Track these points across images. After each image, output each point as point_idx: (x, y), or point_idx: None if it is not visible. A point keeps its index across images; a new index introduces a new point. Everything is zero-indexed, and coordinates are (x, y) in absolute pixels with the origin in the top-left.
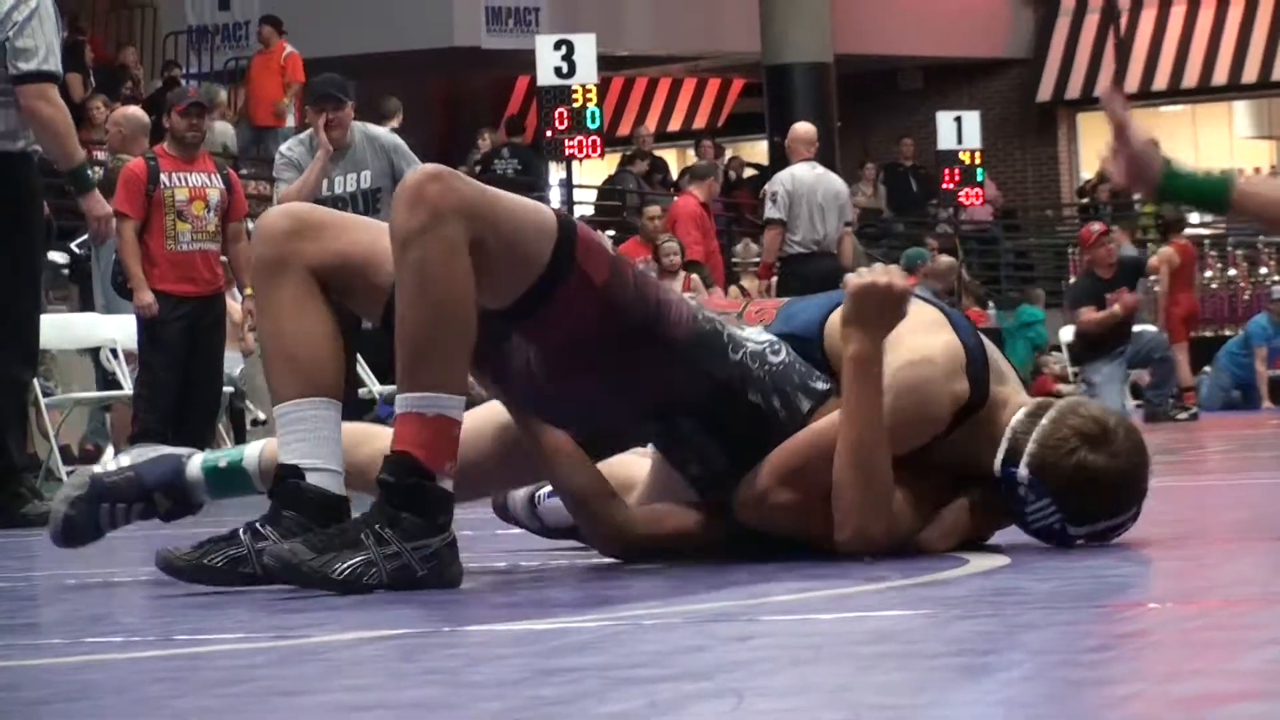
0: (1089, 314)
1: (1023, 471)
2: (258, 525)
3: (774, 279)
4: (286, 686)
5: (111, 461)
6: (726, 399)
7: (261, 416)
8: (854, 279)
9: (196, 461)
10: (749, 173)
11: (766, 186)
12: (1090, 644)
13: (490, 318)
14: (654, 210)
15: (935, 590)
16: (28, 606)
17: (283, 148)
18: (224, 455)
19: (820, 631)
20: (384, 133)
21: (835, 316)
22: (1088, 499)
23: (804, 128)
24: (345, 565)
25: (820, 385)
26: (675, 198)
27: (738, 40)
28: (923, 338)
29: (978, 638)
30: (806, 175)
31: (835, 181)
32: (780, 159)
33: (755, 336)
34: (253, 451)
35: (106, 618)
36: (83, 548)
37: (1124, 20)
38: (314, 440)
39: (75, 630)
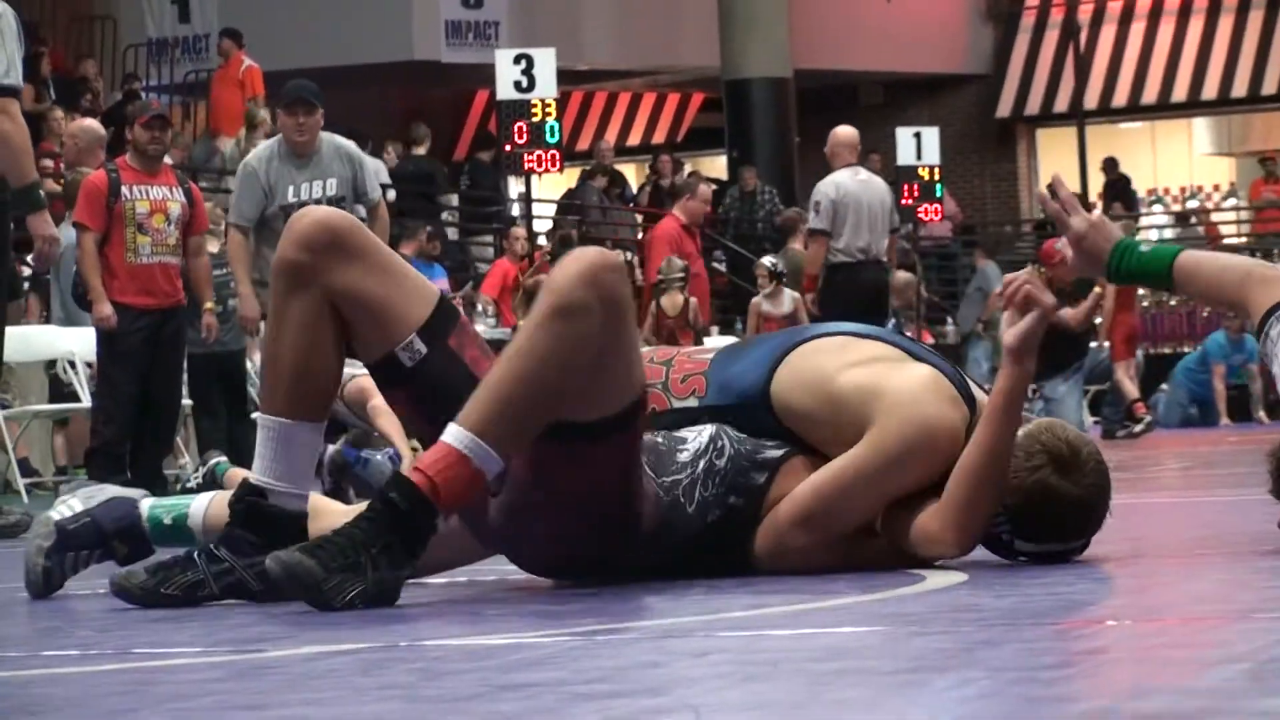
0: (1070, 312)
1: None
2: (213, 549)
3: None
4: (244, 701)
5: (63, 503)
6: (698, 535)
7: None
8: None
9: (146, 507)
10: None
11: (812, 195)
12: (1048, 661)
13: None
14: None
15: (892, 607)
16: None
17: (249, 157)
18: (170, 509)
19: (776, 648)
20: (352, 145)
21: (783, 373)
22: (1040, 519)
23: (845, 131)
24: (352, 592)
25: (771, 453)
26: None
27: (697, 55)
28: (900, 378)
29: (935, 654)
30: (850, 182)
31: (881, 187)
32: (735, 178)
33: (692, 443)
34: (198, 507)
35: (62, 631)
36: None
37: (1084, 36)
38: (285, 462)
39: (31, 644)
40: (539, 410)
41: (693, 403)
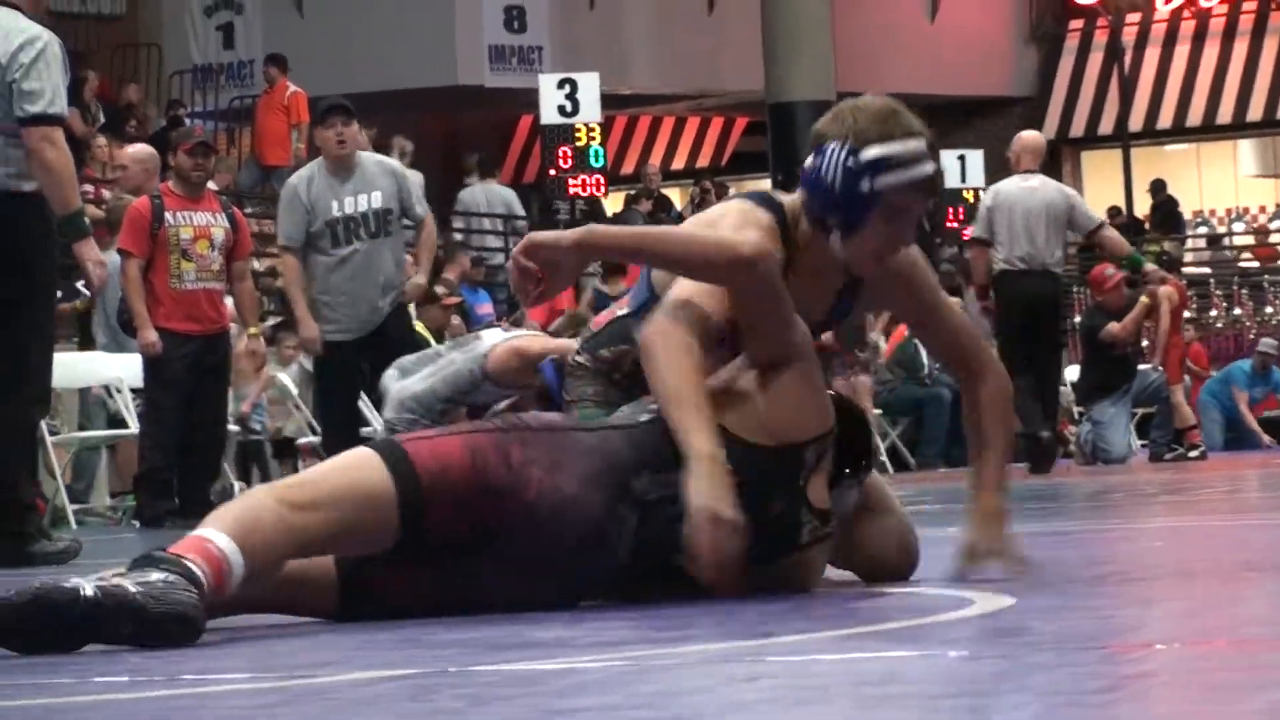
0: (1120, 326)
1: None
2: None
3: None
4: None
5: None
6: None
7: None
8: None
9: None
10: None
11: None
12: (1097, 685)
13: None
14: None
15: (940, 631)
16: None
17: (291, 179)
18: None
19: (826, 672)
20: (393, 160)
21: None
22: (871, 123)
23: (1028, 136)
24: (90, 586)
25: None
26: None
27: (741, 79)
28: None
29: (984, 678)
30: (1012, 189)
31: (1050, 193)
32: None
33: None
34: None
35: (113, 656)
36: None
37: (1128, 58)
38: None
39: (82, 669)
40: None
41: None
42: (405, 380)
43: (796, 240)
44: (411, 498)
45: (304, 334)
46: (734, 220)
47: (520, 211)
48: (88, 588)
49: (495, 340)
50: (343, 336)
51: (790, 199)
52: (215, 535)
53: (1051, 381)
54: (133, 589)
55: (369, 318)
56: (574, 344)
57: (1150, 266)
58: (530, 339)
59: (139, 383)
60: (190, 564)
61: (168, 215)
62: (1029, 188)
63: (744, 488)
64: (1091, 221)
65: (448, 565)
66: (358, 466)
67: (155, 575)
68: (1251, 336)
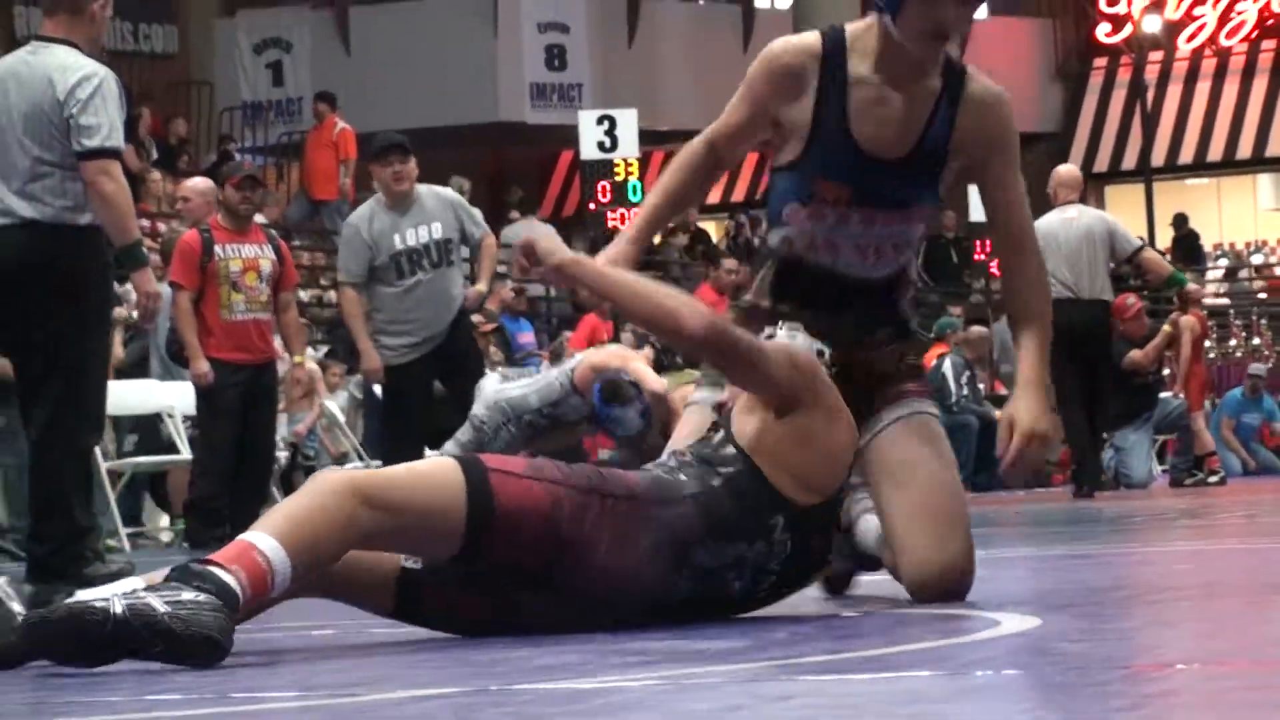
0: (1141, 354)
1: None
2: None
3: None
4: None
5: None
6: (706, 510)
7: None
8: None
9: None
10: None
11: None
12: (1121, 704)
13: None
14: (731, 263)
15: (968, 651)
16: (94, 669)
17: (351, 217)
18: None
19: (857, 691)
20: (448, 190)
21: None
22: None
23: (1065, 170)
24: (120, 601)
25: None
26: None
27: None
28: None
29: (1012, 697)
30: (1052, 221)
31: (1089, 221)
32: None
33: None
34: None
35: (164, 675)
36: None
37: (1150, 95)
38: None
39: (134, 687)
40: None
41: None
42: (503, 385)
43: (857, 55)
44: (481, 521)
45: (366, 365)
46: (740, 94)
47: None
48: (118, 606)
49: (584, 354)
50: (411, 356)
51: (857, 24)
52: (263, 541)
53: (1102, 409)
54: (161, 610)
55: (433, 339)
56: (656, 382)
57: (1192, 286)
58: (611, 355)
59: (191, 410)
60: (228, 578)
61: (217, 248)
62: (1068, 219)
63: (803, 543)
64: (1131, 245)
65: (493, 588)
66: (440, 478)
67: (187, 594)
68: (1270, 365)
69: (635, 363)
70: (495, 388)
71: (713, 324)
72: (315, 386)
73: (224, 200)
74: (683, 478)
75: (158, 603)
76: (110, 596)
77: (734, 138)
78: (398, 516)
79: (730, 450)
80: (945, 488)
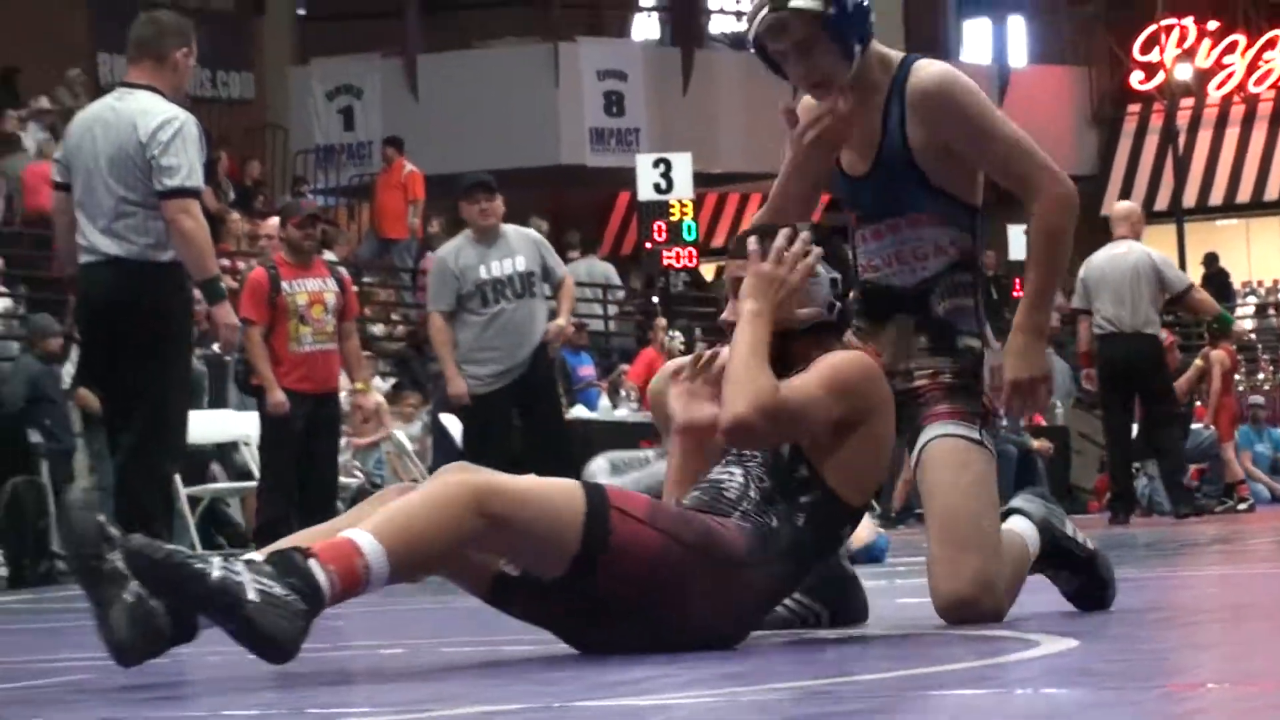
0: (1181, 380)
1: None
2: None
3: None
4: None
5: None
6: (798, 540)
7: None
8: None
9: None
10: None
11: None
12: None
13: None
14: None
15: (1008, 671)
16: (167, 680)
17: (440, 250)
18: None
19: (903, 709)
20: (532, 230)
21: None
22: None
23: (1121, 206)
24: (216, 570)
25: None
26: None
27: None
28: None
29: (1051, 715)
30: (1101, 257)
31: (1138, 256)
32: None
33: (728, 481)
34: None
35: (243, 691)
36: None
37: (1182, 140)
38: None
39: (213, 703)
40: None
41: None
42: (613, 477)
43: None
44: (591, 553)
45: (453, 390)
46: None
47: (618, 282)
48: (215, 572)
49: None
50: (494, 386)
51: None
52: (369, 546)
53: (1160, 441)
54: (249, 596)
55: (515, 369)
56: None
57: (1239, 327)
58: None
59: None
60: (322, 580)
61: (284, 284)
62: (1117, 254)
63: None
64: (1181, 283)
65: (580, 610)
66: (562, 503)
67: (279, 589)
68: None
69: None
70: (604, 480)
71: (759, 406)
72: (380, 415)
73: (287, 238)
74: (774, 523)
75: (250, 587)
76: (212, 561)
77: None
78: (511, 534)
79: (804, 472)
80: (958, 516)
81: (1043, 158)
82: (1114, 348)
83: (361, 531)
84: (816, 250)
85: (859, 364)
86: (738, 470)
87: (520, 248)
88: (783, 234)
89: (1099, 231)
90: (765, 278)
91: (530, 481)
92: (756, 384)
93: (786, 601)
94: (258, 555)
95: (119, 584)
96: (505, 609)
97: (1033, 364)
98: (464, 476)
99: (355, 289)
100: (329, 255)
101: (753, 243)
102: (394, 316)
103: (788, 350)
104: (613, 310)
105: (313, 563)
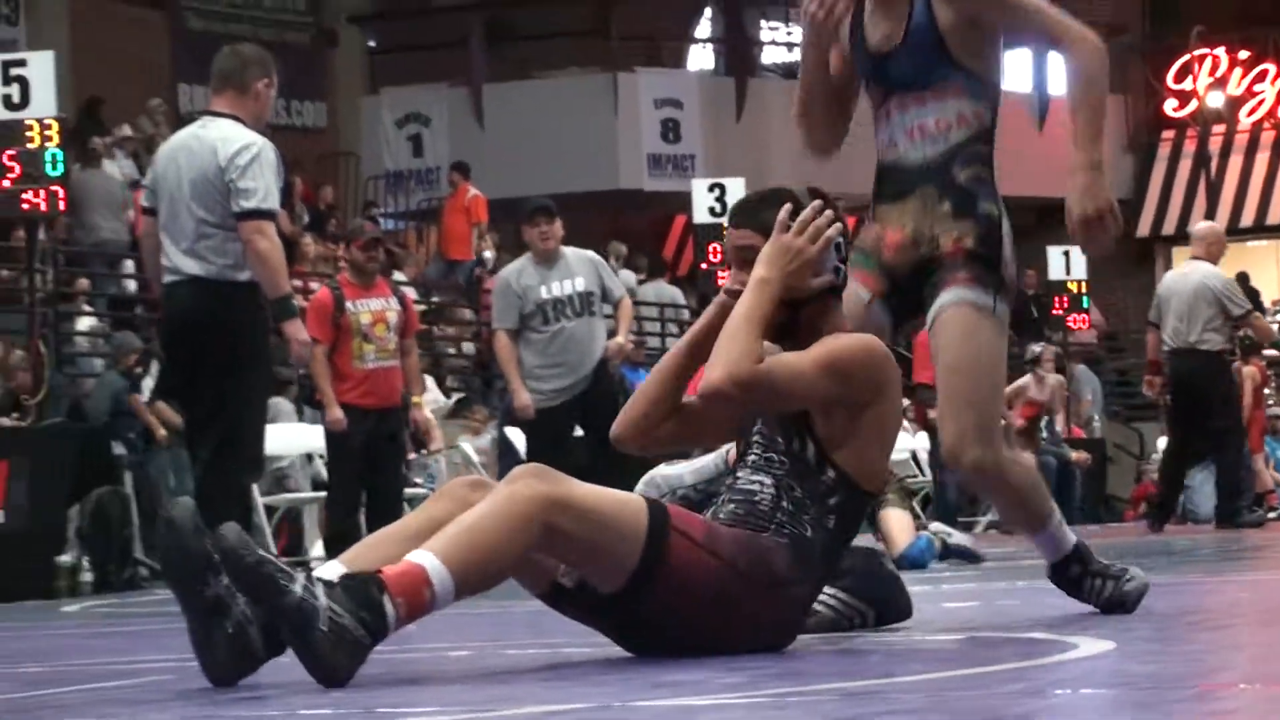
0: None
1: None
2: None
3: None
4: None
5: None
6: (833, 545)
7: None
8: None
9: None
10: None
11: None
12: None
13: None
14: None
15: (1048, 672)
16: (244, 681)
17: (503, 271)
18: None
19: (949, 708)
20: (590, 252)
21: None
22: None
23: (1201, 227)
24: (299, 586)
25: (800, 450)
26: None
27: (868, 182)
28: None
29: (1090, 714)
30: (1170, 276)
31: (1198, 279)
32: None
33: (761, 492)
34: None
35: (316, 691)
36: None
37: (1214, 164)
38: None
39: (289, 702)
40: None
41: None
42: (667, 467)
43: None
44: (648, 571)
45: (518, 403)
46: None
47: (683, 303)
48: (296, 589)
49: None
50: (558, 400)
51: None
52: (437, 575)
53: (1217, 457)
54: (319, 623)
55: (577, 384)
56: None
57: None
58: None
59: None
60: (389, 612)
61: (348, 304)
62: (1183, 274)
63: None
64: (1240, 309)
65: (628, 622)
66: (626, 521)
67: (349, 621)
68: None
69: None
70: (659, 469)
71: (734, 375)
72: (429, 429)
73: (350, 259)
74: (809, 533)
75: (323, 615)
76: (297, 578)
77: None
78: (574, 547)
79: (830, 474)
80: (960, 374)
81: (1069, 18)
82: (1174, 362)
83: (433, 559)
84: (838, 224)
85: (862, 347)
86: (767, 480)
87: (579, 269)
88: (812, 206)
89: (1131, 254)
90: (783, 247)
91: (597, 497)
92: (739, 352)
93: (832, 603)
94: (337, 572)
95: (221, 613)
96: (558, 608)
97: (1097, 196)
98: (536, 488)
99: (426, 307)
100: (399, 275)
101: (784, 213)
102: (461, 333)
103: (796, 317)
104: (673, 329)
105: (385, 598)
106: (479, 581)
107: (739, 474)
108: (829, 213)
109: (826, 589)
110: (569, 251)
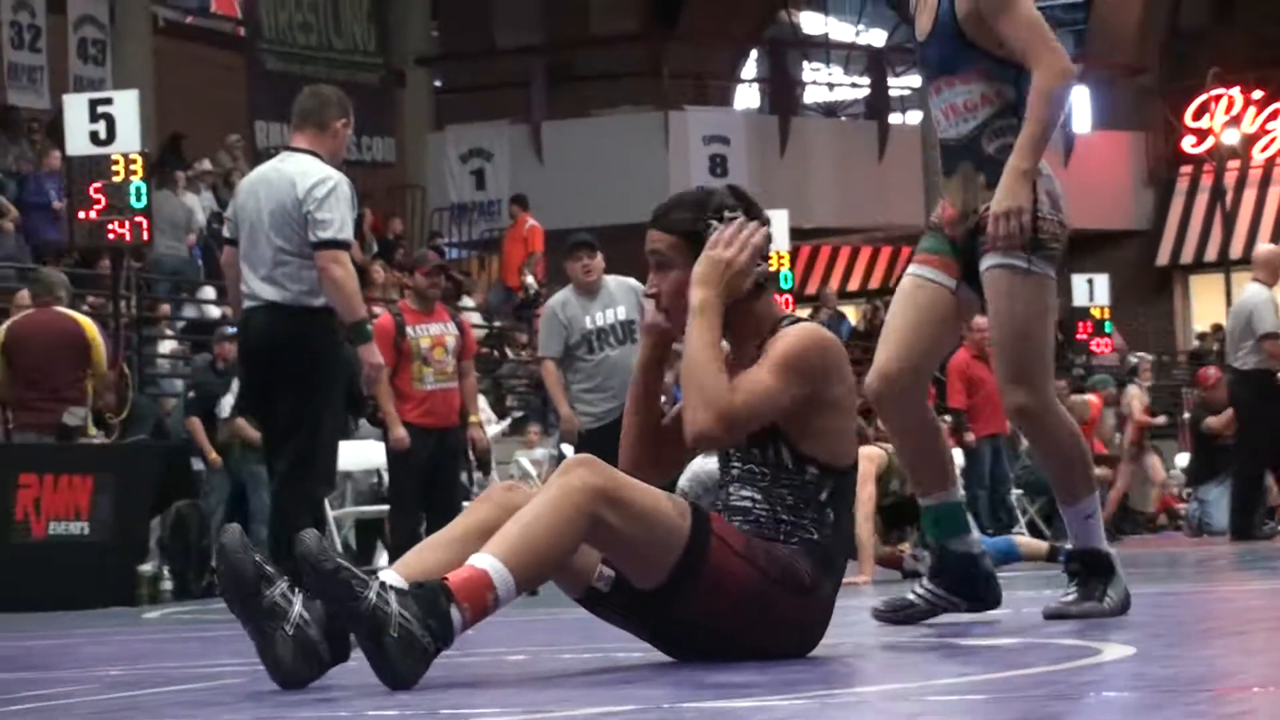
0: (1217, 420)
1: None
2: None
3: None
4: None
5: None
6: (840, 539)
7: None
8: None
9: None
10: None
11: None
12: None
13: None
14: (981, 321)
15: (1073, 675)
16: (314, 684)
17: (549, 302)
18: None
19: (978, 710)
20: (633, 280)
21: None
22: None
23: (1261, 250)
24: (372, 593)
25: (777, 455)
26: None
27: (905, 214)
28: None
29: (1112, 715)
30: (1238, 299)
31: (1245, 299)
32: None
33: (755, 507)
34: None
35: (382, 694)
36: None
37: (1229, 197)
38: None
39: (361, 704)
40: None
41: None
42: (706, 461)
43: None
44: (684, 573)
45: (565, 427)
46: None
47: None
48: (371, 597)
49: None
50: (604, 421)
51: None
52: (499, 578)
53: (1237, 470)
54: (393, 630)
55: (622, 407)
56: None
57: None
58: None
59: None
60: (456, 619)
61: (408, 329)
62: (1241, 299)
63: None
64: (1262, 328)
65: (660, 622)
66: (671, 522)
67: (418, 629)
68: None
69: None
70: (699, 461)
71: (718, 416)
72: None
73: (414, 286)
74: (815, 535)
75: (394, 622)
76: (371, 585)
77: None
78: (619, 542)
79: (813, 470)
80: (999, 329)
81: (1052, 41)
82: (1227, 380)
83: (495, 561)
84: (764, 230)
85: (806, 338)
86: (756, 494)
87: (621, 298)
88: (736, 223)
89: (1151, 282)
90: (715, 264)
91: (644, 492)
92: (712, 391)
93: (929, 596)
94: (394, 578)
95: (279, 617)
96: (595, 613)
97: (1015, 198)
98: (588, 480)
99: (489, 331)
100: (466, 301)
101: (715, 237)
102: (524, 356)
103: (735, 314)
104: None
105: (452, 606)
106: (538, 576)
107: (729, 489)
108: (752, 223)
109: (925, 583)
110: (611, 281)
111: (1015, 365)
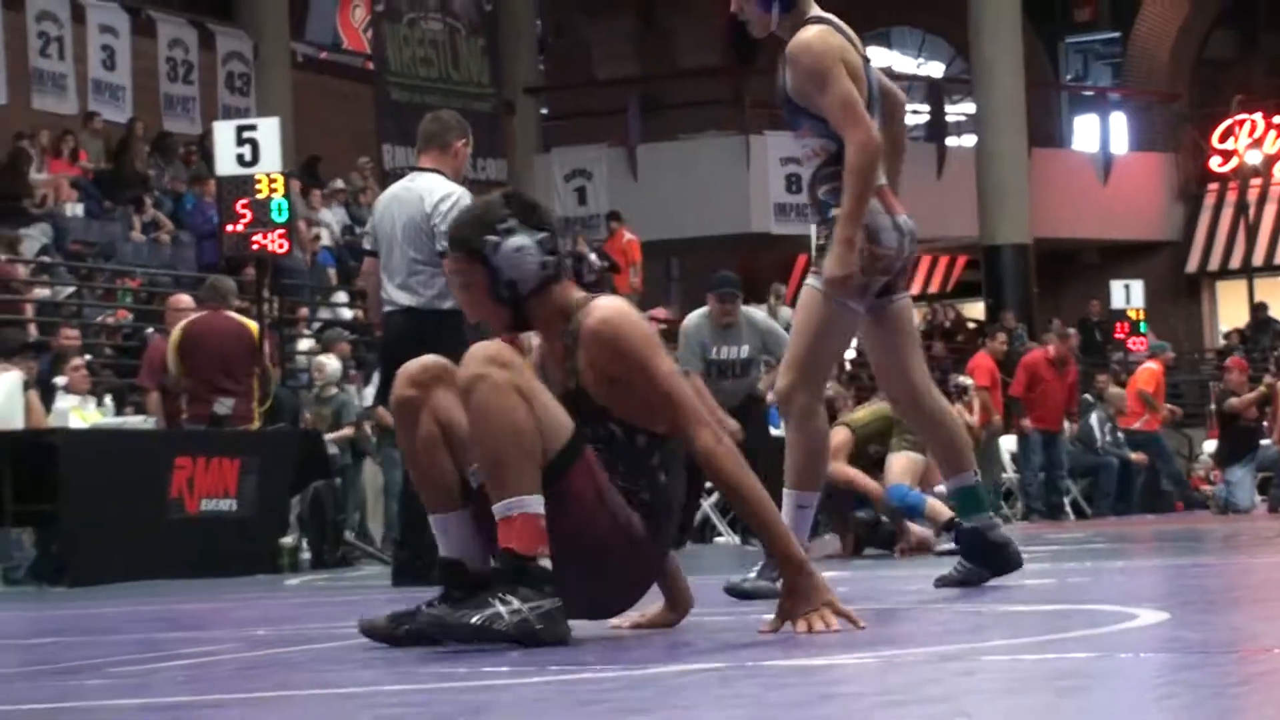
0: (1239, 401)
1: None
2: (433, 601)
3: None
4: (634, 706)
5: None
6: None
7: None
8: None
9: None
10: (970, 325)
11: None
12: (1233, 680)
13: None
14: (1069, 331)
15: (1112, 639)
16: (441, 647)
17: (688, 321)
18: None
19: (1027, 669)
20: (763, 317)
21: None
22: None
23: None
24: (477, 616)
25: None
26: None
27: (961, 226)
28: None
29: (1149, 674)
30: None
31: None
32: (991, 319)
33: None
34: None
35: (496, 652)
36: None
37: (1252, 212)
38: (457, 541)
39: (473, 662)
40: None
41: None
42: None
43: None
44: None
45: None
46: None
47: None
48: (505, 617)
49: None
50: None
51: None
52: (527, 501)
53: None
54: (504, 627)
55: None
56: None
57: None
58: (855, 478)
59: None
60: (542, 571)
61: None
62: None
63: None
64: None
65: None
66: (562, 426)
67: (542, 603)
68: None
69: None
70: None
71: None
72: None
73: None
74: (648, 497)
75: (503, 620)
76: (486, 611)
77: None
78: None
79: (641, 438)
80: (792, 332)
81: (861, 116)
82: None
83: (533, 499)
84: (516, 238)
85: (628, 319)
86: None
87: (747, 338)
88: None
89: (1181, 288)
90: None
91: (544, 394)
92: (697, 417)
93: (958, 568)
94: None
95: (500, 619)
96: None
97: (844, 266)
98: (502, 375)
99: None
100: None
101: (494, 240)
102: None
103: (524, 313)
104: None
105: (541, 565)
106: (540, 460)
107: None
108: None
109: (960, 560)
110: (746, 319)
111: (790, 357)
